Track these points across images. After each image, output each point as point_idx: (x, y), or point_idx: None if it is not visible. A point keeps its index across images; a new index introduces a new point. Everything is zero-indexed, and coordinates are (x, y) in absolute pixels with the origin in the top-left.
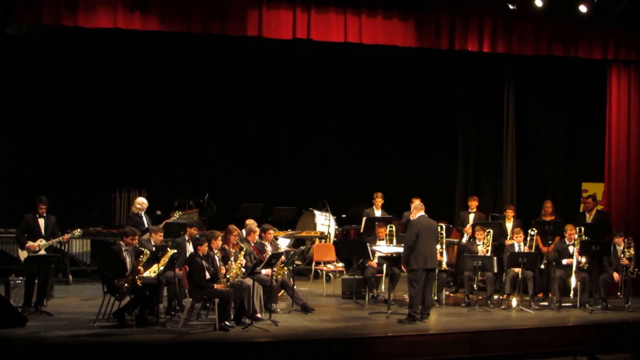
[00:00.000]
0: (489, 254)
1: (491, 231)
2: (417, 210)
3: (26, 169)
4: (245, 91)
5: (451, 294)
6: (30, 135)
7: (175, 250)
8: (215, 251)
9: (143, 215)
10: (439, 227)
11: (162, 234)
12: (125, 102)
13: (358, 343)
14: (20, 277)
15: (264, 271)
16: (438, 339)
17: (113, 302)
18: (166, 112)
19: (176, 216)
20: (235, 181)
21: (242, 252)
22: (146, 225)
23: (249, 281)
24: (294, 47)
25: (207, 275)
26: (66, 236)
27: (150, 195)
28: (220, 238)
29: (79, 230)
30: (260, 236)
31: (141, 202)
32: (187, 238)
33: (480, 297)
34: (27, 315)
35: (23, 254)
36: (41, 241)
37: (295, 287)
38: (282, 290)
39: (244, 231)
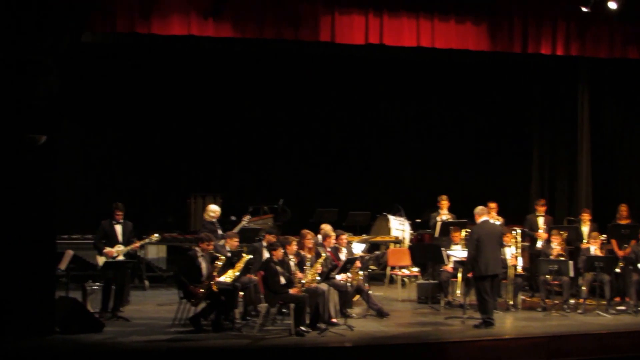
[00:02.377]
0: (563, 256)
1: (565, 234)
2: (479, 216)
3: (103, 176)
4: (318, 96)
5: (527, 299)
6: (106, 142)
7: (251, 256)
8: (291, 256)
9: (216, 222)
10: (513, 232)
11: (237, 240)
12: (198, 108)
13: (434, 348)
14: (97, 283)
15: (339, 276)
16: (514, 344)
17: (189, 307)
18: (240, 118)
19: (245, 221)
20: (309, 186)
21: (321, 259)
22: (220, 232)
23: (324, 286)
24: (364, 51)
25: (282, 281)
26: (142, 242)
27: (225, 201)
28: (295, 243)
29: (156, 235)
30: (335, 241)
31: (214, 209)
32: (264, 244)
33: (557, 302)
34: (104, 321)
35: (101, 260)
36: (119, 247)
37: (370, 292)
38: (357, 295)
39: (319, 236)
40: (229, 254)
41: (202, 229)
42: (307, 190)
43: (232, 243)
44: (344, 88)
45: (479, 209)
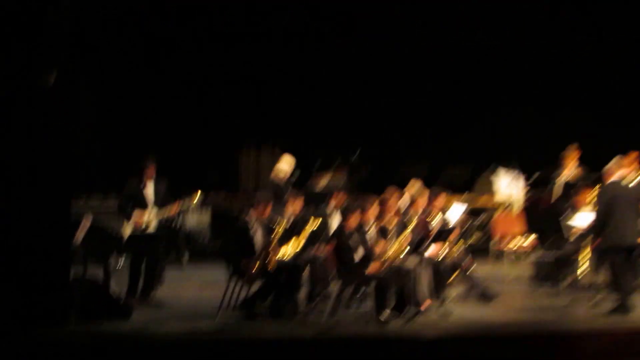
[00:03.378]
0: None
1: None
2: (611, 172)
3: (130, 123)
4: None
5: None
6: (133, 80)
7: (319, 223)
8: (370, 223)
9: (284, 185)
10: None
11: (300, 203)
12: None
13: (555, 340)
14: (123, 259)
15: (431, 249)
16: None
17: (240, 288)
18: (305, 47)
19: (324, 182)
20: (393, 132)
21: (409, 227)
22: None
23: (413, 261)
24: None
25: (359, 255)
26: (179, 206)
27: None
28: (375, 207)
29: (198, 197)
30: (428, 203)
31: (285, 168)
32: (332, 207)
33: None
34: (131, 307)
35: (128, 229)
36: (151, 213)
37: (472, 268)
38: (456, 273)
39: (406, 197)
40: (290, 221)
41: (265, 190)
42: (390, 137)
43: (295, 207)
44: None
45: (612, 163)
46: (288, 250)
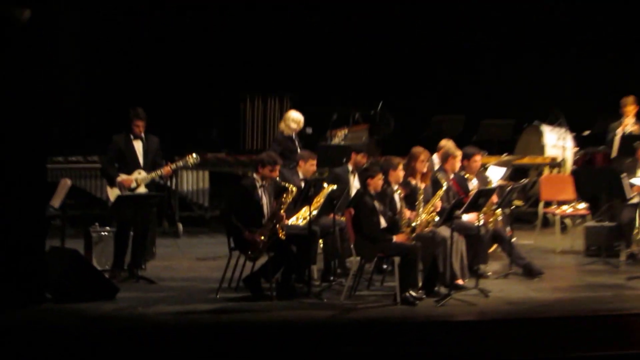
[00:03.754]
0: None
1: None
2: None
3: (115, 72)
4: None
5: None
6: (117, 19)
7: (335, 186)
8: (395, 187)
9: (295, 138)
10: None
11: (314, 162)
12: None
13: (611, 322)
14: (108, 227)
15: (466, 216)
16: None
17: (244, 263)
18: None
19: (340, 137)
20: (422, 82)
21: (441, 191)
22: (298, 151)
23: (445, 231)
24: None
25: (383, 223)
26: (173, 166)
27: (296, 105)
28: (401, 167)
29: (194, 155)
30: (461, 164)
31: (297, 118)
32: (351, 168)
33: None
34: (117, 283)
35: (113, 193)
36: (139, 173)
37: (514, 239)
38: (495, 245)
39: (435, 157)
40: (302, 184)
41: (274, 144)
42: (417, 87)
43: (308, 167)
44: None
45: None
46: (300, 219)
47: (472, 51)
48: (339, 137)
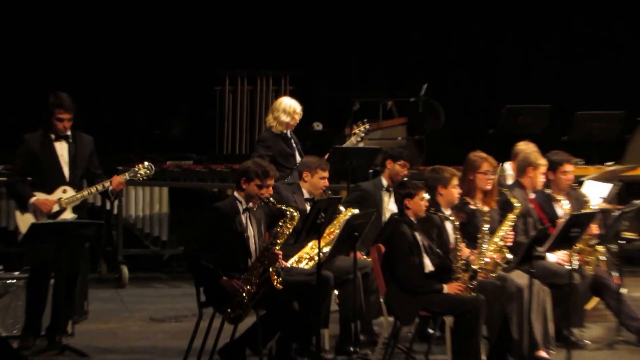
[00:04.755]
0: None
1: None
2: None
3: (23, 37)
4: None
5: None
6: None
7: (357, 211)
8: (447, 212)
9: (291, 137)
10: None
11: (325, 174)
12: None
13: None
14: (17, 273)
15: (553, 256)
16: None
17: (221, 325)
18: None
19: (359, 134)
20: (485, 56)
21: (513, 215)
22: (298, 158)
23: (521, 278)
24: None
25: (429, 265)
26: (115, 181)
27: (299, 88)
28: (456, 182)
29: (145, 164)
30: (546, 178)
31: (290, 108)
32: (385, 183)
33: None
34: (31, 358)
35: (24, 221)
36: (65, 191)
37: (624, 290)
38: (596, 299)
39: (507, 167)
40: (307, 206)
41: (259, 147)
42: (479, 63)
43: (316, 182)
44: None
45: None
46: (304, 260)
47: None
48: (360, 133)
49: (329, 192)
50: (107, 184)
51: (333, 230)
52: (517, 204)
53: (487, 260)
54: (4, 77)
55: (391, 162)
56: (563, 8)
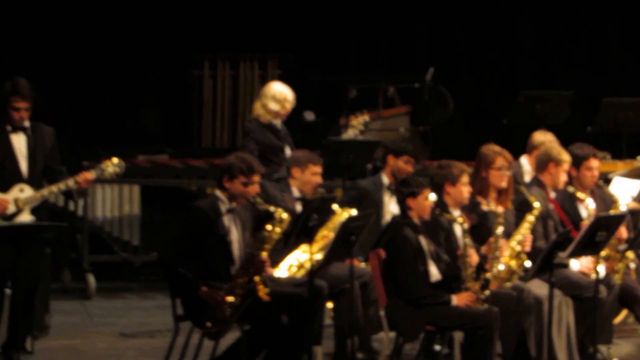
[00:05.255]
0: None
1: None
2: None
3: None
4: None
5: None
6: None
7: (355, 211)
8: (456, 213)
9: (281, 128)
10: None
11: (318, 169)
12: None
13: None
14: None
15: (576, 263)
16: None
17: (200, 341)
18: None
19: (357, 125)
20: (496, 32)
21: (531, 217)
22: (287, 152)
23: (540, 288)
24: None
25: (435, 274)
26: (81, 178)
27: (289, 72)
28: (466, 180)
29: (114, 160)
30: (568, 175)
31: (280, 95)
32: (387, 181)
33: None
34: None
35: None
36: (21, 190)
37: None
38: (625, 312)
39: (524, 161)
40: (298, 207)
41: (246, 140)
42: (489, 41)
43: (307, 178)
44: None
45: None
46: (294, 267)
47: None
48: (359, 126)
49: (322, 190)
50: (70, 182)
51: (327, 234)
52: (536, 204)
53: (502, 267)
54: None
55: (393, 157)
56: None
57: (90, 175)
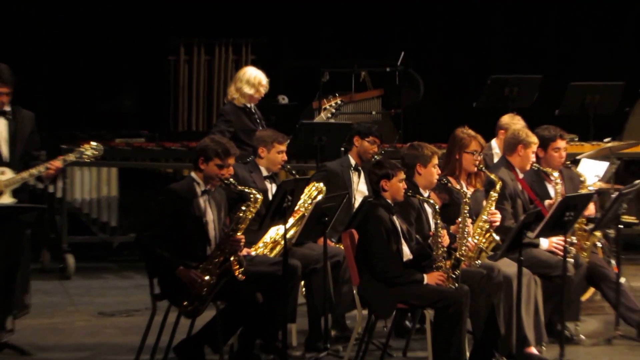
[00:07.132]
0: None
1: None
2: None
3: None
4: None
5: None
6: None
7: (323, 190)
8: (427, 194)
9: (255, 112)
10: None
11: (283, 147)
12: None
13: None
14: None
15: (544, 242)
16: None
17: (177, 320)
18: None
19: (331, 107)
20: (467, 19)
21: (493, 196)
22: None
23: (508, 267)
24: None
25: (407, 253)
26: (59, 162)
27: (263, 56)
28: (436, 161)
29: (92, 143)
30: (536, 156)
31: (254, 79)
32: (353, 162)
33: None
34: None
35: None
36: (2, 173)
37: (623, 280)
38: (591, 289)
39: (494, 144)
40: (272, 187)
41: (219, 122)
42: (461, 28)
43: (273, 157)
44: None
45: None
46: (268, 247)
47: None
48: (331, 109)
49: (295, 172)
50: (42, 168)
51: (300, 214)
52: (496, 179)
53: (470, 245)
54: None
55: (359, 138)
56: None
57: (58, 163)
